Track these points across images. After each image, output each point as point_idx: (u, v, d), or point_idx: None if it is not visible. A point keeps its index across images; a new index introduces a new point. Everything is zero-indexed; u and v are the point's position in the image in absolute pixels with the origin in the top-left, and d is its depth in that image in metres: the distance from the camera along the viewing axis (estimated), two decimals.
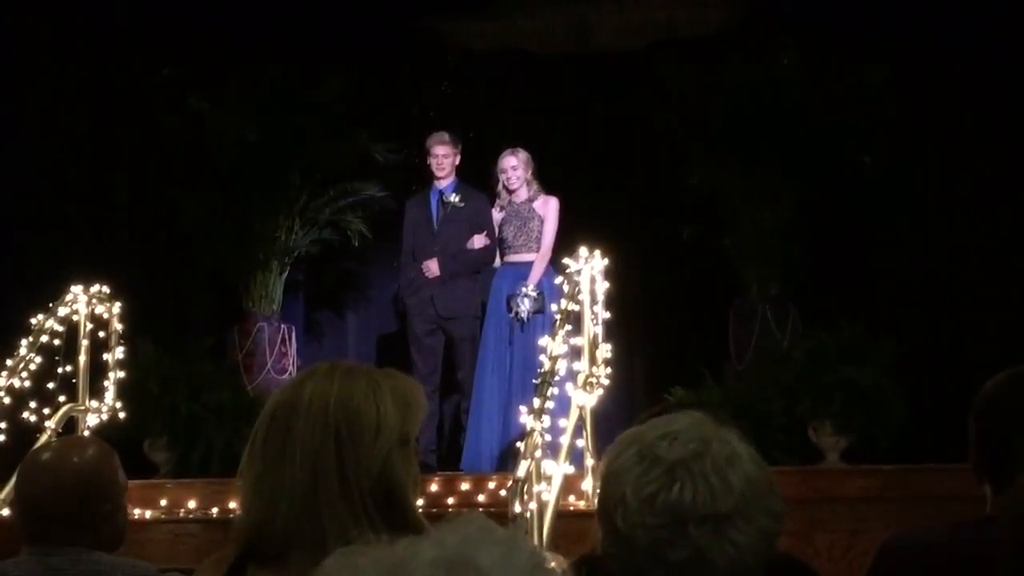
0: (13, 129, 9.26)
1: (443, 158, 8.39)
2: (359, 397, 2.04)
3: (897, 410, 7.55)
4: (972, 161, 8.59)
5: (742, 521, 1.77)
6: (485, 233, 8.34)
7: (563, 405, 6.41)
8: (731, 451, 1.82)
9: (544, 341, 6.39)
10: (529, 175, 8.32)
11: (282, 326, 8.86)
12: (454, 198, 8.38)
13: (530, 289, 7.93)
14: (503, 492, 5.86)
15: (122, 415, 7.42)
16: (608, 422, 6.96)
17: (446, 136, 8.43)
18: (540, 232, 8.25)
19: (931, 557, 2.47)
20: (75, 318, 7.41)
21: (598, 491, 1.84)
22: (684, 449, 1.80)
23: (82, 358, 7.35)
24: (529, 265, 8.21)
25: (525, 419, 5.88)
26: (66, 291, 7.46)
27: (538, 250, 8.24)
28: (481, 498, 7.05)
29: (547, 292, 7.84)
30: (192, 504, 7.22)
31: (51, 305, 7.40)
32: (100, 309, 7.48)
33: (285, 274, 9.02)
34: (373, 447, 2.01)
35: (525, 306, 7.89)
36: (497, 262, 8.44)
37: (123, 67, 9.48)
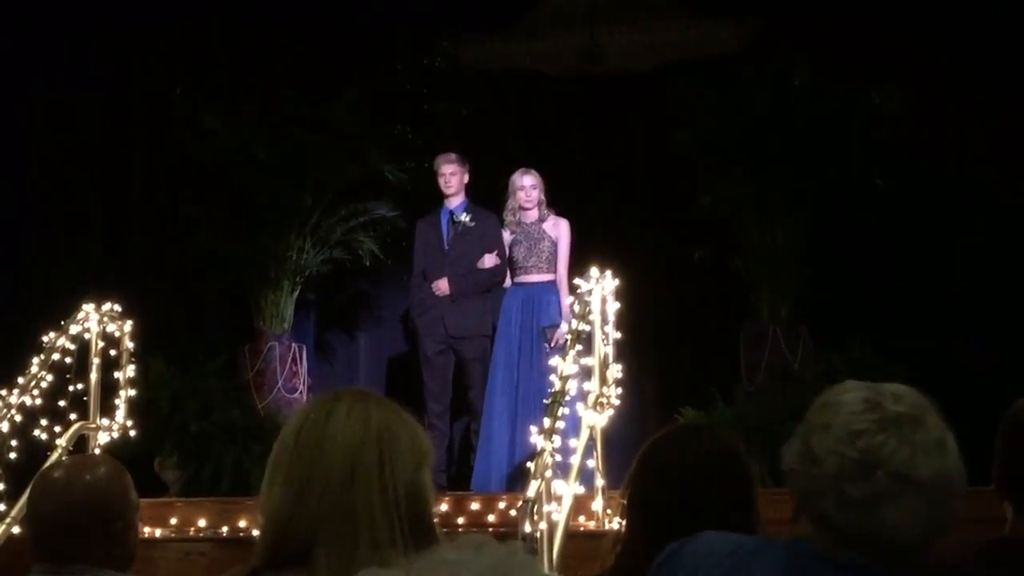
0: (27, 147, 9.31)
1: (451, 176, 8.41)
2: (394, 415, 2.08)
3: None
4: (986, 182, 8.59)
5: (923, 498, 1.85)
6: (495, 252, 8.35)
7: (574, 425, 6.40)
8: (944, 437, 1.92)
9: (555, 361, 6.38)
10: (541, 195, 8.34)
11: (293, 345, 8.87)
12: (464, 217, 8.40)
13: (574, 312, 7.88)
14: (513, 512, 5.84)
15: (133, 433, 7.42)
16: (618, 442, 6.95)
17: (453, 155, 8.46)
18: (551, 253, 8.26)
19: None
20: (86, 336, 7.41)
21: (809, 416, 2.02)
22: (906, 409, 1.90)
23: (93, 376, 7.35)
24: (540, 285, 8.23)
25: (535, 439, 5.87)
26: (78, 309, 7.47)
27: (548, 270, 8.25)
28: (491, 518, 7.04)
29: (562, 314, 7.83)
30: (202, 523, 7.22)
31: (63, 323, 7.41)
32: (111, 327, 7.48)
33: (296, 293, 9.04)
34: (408, 456, 2.04)
35: (564, 330, 7.83)
36: (508, 282, 8.45)
37: (137, 85, 9.53)
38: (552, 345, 7.90)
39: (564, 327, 7.80)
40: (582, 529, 6.43)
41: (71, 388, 7.26)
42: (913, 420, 1.89)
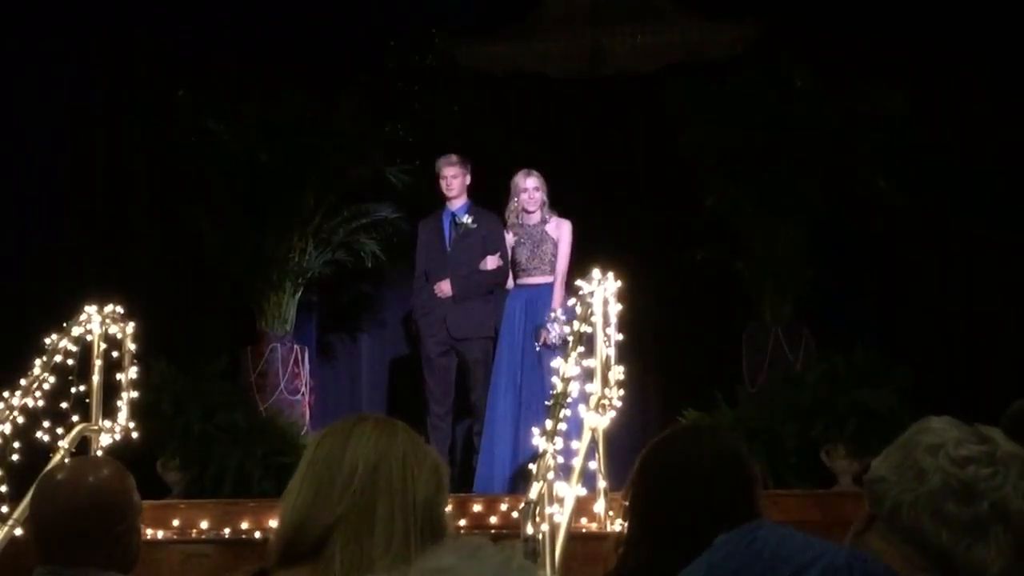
0: (29, 148, 9.31)
1: (452, 179, 8.41)
2: (420, 441, 2.16)
3: None
4: (988, 184, 8.59)
5: (1012, 540, 1.87)
6: (498, 254, 8.35)
7: (576, 427, 6.40)
8: None
9: (557, 363, 6.39)
10: (544, 197, 8.33)
11: (295, 347, 8.86)
12: (466, 219, 8.40)
13: (559, 314, 7.86)
14: (515, 514, 5.84)
15: (135, 435, 7.43)
16: (620, 444, 6.95)
17: (454, 157, 8.45)
18: (553, 255, 8.25)
19: None
20: (89, 338, 7.42)
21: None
22: (1015, 450, 1.94)
23: (96, 378, 7.35)
24: (543, 287, 8.22)
25: (538, 441, 5.88)
26: (80, 311, 7.48)
27: (551, 272, 8.24)
28: (493, 520, 7.04)
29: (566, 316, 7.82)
30: (204, 524, 7.22)
31: (65, 325, 7.42)
32: (114, 329, 7.49)
33: (299, 295, 9.04)
34: (431, 476, 2.10)
35: (556, 331, 7.82)
36: (510, 284, 8.44)
37: (140, 88, 9.54)
38: (540, 344, 7.90)
39: (555, 328, 7.82)
40: (584, 531, 6.43)
41: (73, 390, 7.26)
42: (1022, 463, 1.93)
